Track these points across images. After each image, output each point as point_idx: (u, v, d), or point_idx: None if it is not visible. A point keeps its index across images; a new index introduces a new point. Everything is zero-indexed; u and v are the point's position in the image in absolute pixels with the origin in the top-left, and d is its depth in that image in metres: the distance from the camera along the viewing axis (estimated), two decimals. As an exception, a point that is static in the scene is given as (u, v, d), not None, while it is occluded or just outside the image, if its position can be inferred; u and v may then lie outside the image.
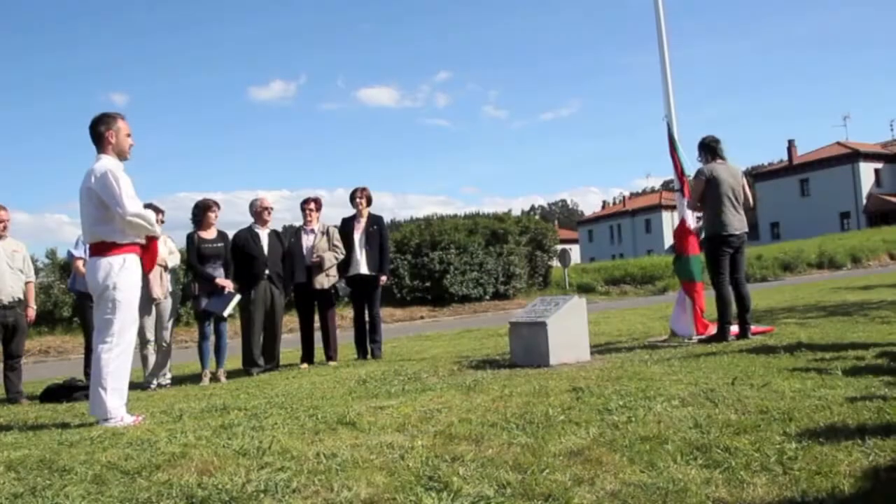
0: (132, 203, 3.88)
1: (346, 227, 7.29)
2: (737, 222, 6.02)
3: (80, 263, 5.99)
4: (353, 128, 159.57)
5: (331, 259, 7.00)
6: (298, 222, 7.48)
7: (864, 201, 45.53)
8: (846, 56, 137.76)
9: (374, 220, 7.30)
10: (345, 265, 7.19)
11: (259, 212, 6.90)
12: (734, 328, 6.00)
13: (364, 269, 7.14)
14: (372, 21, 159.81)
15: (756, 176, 53.60)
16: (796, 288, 15.55)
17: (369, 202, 7.40)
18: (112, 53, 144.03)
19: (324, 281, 6.97)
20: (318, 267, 6.94)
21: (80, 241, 6.10)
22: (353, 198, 7.37)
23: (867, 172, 45.81)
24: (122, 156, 4.07)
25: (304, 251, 7.02)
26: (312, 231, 7.12)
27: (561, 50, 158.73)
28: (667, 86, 6.51)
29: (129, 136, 4.10)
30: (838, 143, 49.02)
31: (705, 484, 2.14)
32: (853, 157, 46.07)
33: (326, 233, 7.11)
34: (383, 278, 7.27)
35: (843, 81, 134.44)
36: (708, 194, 6.01)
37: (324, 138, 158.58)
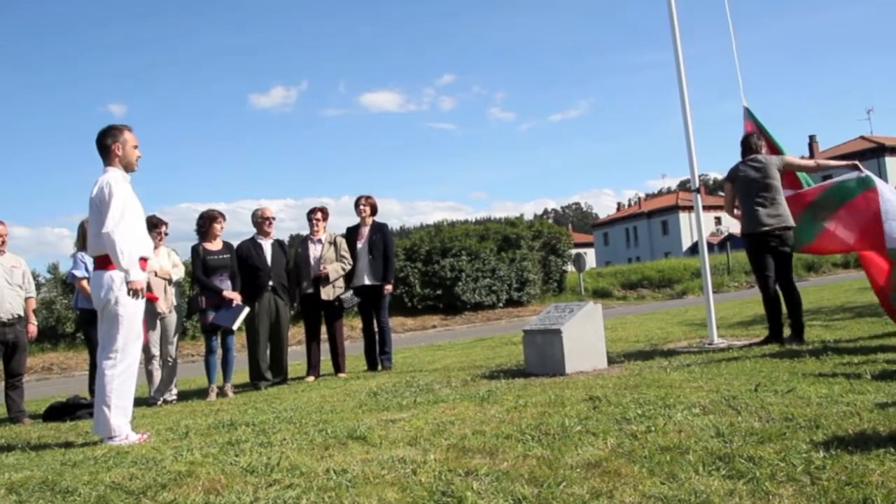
0: (114, 223, 3.78)
1: (351, 236, 7.27)
2: None
3: (84, 283, 5.95)
4: (357, 134, 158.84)
5: (337, 270, 6.97)
6: (304, 231, 7.46)
7: (893, 197, 44.43)
8: (868, 48, 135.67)
9: (378, 228, 7.26)
10: (349, 275, 7.16)
11: (260, 222, 6.87)
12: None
13: (367, 279, 7.09)
14: (373, 24, 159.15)
15: (777, 172, 52.80)
16: (821, 288, 15.36)
17: (374, 210, 7.35)
18: (109, 63, 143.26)
19: (330, 292, 6.94)
20: (326, 278, 6.91)
21: (79, 261, 6.03)
22: (356, 205, 7.34)
23: (894, 167, 44.70)
24: (129, 168, 4.06)
25: (312, 261, 6.99)
26: (320, 241, 7.09)
27: (567, 49, 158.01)
28: (681, 82, 6.46)
29: (136, 147, 4.08)
30: (862, 137, 47.43)
31: (728, 496, 2.08)
32: (878, 151, 44.45)
33: (334, 243, 7.09)
34: (388, 287, 7.20)
35: (864, 75, 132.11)
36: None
37: (327, 145, 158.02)
